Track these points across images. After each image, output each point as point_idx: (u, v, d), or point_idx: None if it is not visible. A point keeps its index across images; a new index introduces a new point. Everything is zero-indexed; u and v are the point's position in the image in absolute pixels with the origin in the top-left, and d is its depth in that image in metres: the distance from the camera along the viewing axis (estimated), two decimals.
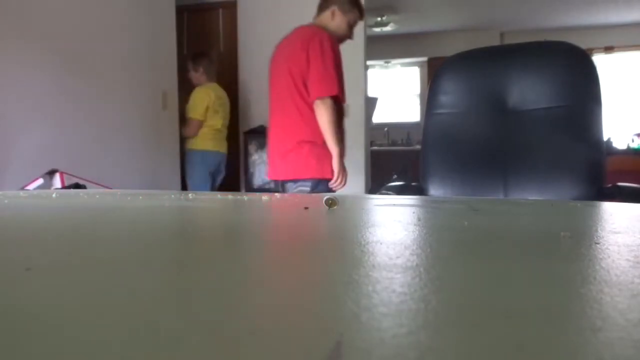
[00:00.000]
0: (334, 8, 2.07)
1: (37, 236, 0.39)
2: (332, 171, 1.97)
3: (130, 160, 2.99)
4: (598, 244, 0.36)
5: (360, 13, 2.14)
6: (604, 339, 0.16)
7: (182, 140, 3.42)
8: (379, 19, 5.59)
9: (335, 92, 1.92)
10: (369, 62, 3.99)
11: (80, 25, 2.61)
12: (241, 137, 4.05)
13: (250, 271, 0.26)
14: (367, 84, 3.80)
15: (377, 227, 0.46)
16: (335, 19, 2.07)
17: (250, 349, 0.15)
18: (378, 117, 6.19)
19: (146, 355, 0.14)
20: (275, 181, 2.16)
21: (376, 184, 3.91)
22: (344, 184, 2.01)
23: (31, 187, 2.04)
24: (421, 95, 6.84)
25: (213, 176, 3.41)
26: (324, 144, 1.96)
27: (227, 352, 0.14)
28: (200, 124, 3.28)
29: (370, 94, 4.27)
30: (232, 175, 4.19)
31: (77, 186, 1.41)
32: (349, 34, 2.12)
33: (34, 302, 0.20)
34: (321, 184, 1.98)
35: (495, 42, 6.01)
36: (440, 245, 0.36)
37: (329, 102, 1.91)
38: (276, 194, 1.01)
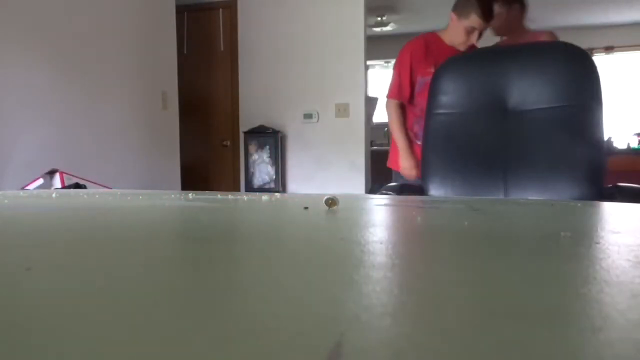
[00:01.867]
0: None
1: (37, 236, 0.39)
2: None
3: (130, 160, 2.99)
4: (598, 243, 0.36)
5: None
6: (604, 339, 0.16)
7: (182, 140, 3.41)
8: (379, 19, 5.58)
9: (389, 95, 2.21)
10: (369, 62, 3.98)
11: (80, 25, 2.61)
12: (241, 137, 4.05)
13: (250, 271, 0.26)
14: (367, 84, 3.80)
15: (377, 227, 0.46)
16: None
17: (250, 348, 0.15)
18: (378, 117, 6.18)
19: (146, 354, 0.14)
20: None
21: (376, 184, 3.90)
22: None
23: (31, 187, 2.04)
24: None
25: None
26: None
27: (227, 352, 0.14)
28: None
29: (370, 94, 4.26)
30: (232, 175, 4.19)
31: (77, 186, 1.41)
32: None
33: (34, 302, 0.20)
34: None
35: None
36: (440, 245, 0.36)
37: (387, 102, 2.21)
38: (276, 194, 1.00)
